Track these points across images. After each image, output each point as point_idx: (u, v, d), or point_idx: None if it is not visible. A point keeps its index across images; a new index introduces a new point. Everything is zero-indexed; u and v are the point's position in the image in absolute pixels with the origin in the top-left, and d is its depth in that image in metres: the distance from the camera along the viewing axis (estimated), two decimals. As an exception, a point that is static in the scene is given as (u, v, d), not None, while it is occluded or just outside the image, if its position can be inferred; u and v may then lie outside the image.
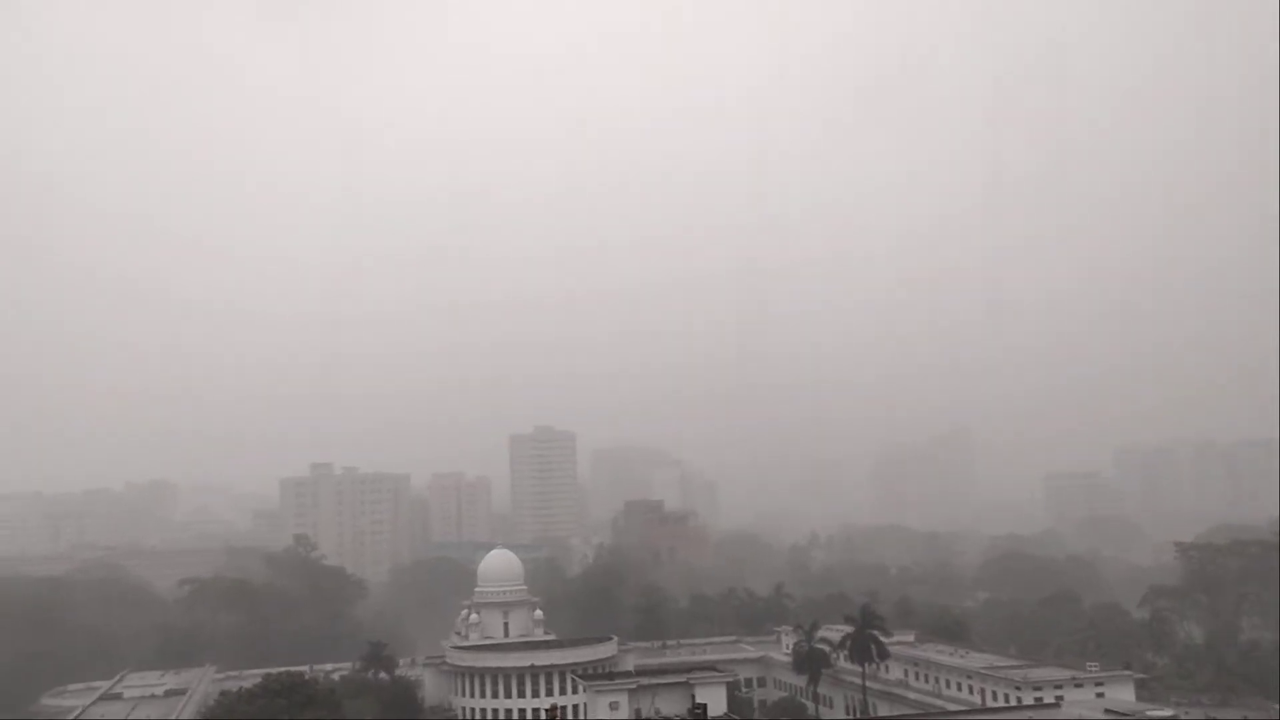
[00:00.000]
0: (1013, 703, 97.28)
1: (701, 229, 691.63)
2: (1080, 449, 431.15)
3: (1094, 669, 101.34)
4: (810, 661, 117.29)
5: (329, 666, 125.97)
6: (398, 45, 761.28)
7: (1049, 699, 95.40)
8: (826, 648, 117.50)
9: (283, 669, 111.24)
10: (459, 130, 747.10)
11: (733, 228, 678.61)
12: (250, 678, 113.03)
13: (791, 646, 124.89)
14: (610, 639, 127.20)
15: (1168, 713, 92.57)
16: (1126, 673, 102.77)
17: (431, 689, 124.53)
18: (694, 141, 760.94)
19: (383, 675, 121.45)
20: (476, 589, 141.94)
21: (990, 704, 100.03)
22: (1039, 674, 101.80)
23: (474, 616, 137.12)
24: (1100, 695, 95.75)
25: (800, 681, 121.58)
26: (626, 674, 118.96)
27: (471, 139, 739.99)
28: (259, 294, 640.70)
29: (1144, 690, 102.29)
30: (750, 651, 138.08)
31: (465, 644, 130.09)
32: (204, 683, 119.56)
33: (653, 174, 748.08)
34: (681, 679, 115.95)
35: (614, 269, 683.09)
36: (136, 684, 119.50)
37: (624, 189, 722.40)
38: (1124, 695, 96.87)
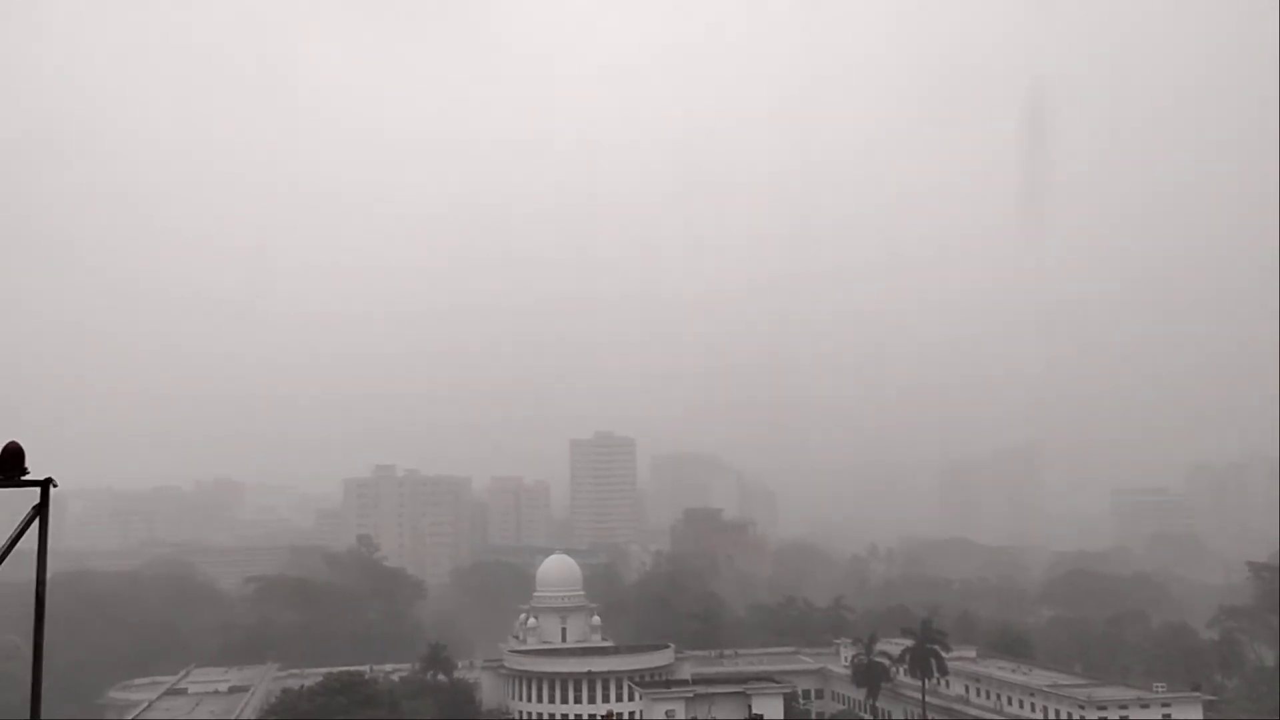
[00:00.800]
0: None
1: (759, 233, 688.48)
2: (1151, 464, 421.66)
3: (1161, 689, 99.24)
4: (869, 675, 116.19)
5: (389, 667, 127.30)
6: (418, 46, 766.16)
7: (1114, 718, 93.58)
8: (886, 661, 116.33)
9: (343, 668, 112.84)
10: (490, 132, 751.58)
11: (788, 232, 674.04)
12: (312, 676, 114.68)
13: (850, 659, 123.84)
14: (667, 647, 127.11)
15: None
16: (1194, 694, 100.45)
17: (489, 692, 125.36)
18: (737, 147, 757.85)
19: (441, 677, 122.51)
20: (535, 593, 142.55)
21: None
22: (1104, 693, 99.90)
23: (532, 621, 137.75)
24: (1167, 716, 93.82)
25: (859, 695, 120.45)
26: (683, 682, 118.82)
27: (503, 141, 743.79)
28: (322, 296, 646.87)
29: (1212, 712, 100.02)
30: (808, 663, 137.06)
31: (523, 648, 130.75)
32: (266, 680, 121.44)
33: (703, 178, 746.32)
34: (738, 689, 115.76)
35: (672, 272, 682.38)
36: (201, 680, 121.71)
37: (675, 194, 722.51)
38: (1192, 716, 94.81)
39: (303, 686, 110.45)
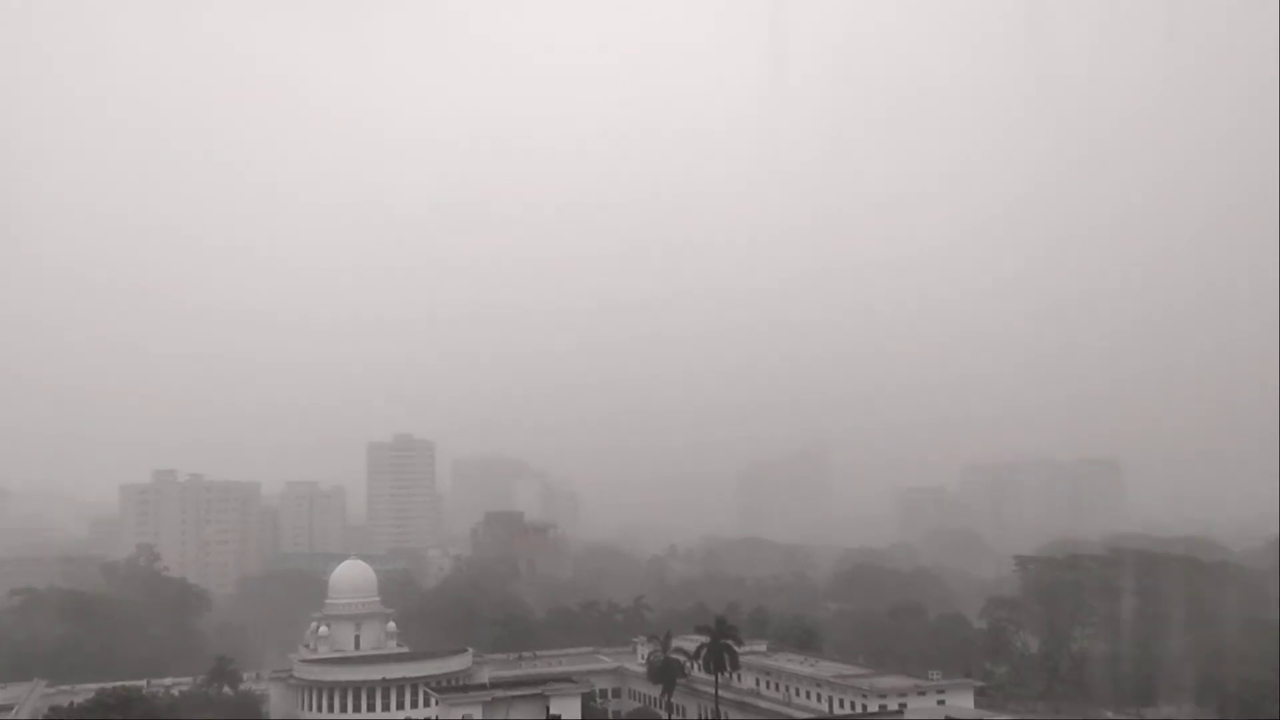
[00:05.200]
0: (859, 710, 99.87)
1: (560, 256, 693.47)
2: (930, 463, 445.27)
3: (936, 677, 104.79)
4: (665, 672, 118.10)
5: (168, 681, 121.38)
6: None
7: (893, 706, 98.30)
8: (681, 658, 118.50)
9: (119, 684, 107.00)
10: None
11: (597, 255, 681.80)
12: (84, 693, 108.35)
13: (647, 657, 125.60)
14: (465, 651, 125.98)
15: (1005, 719, 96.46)
16: (966, 681, 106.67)
17: (277, 704, 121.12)
18: (571, 165, 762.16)
19: (226, 690, 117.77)
20: (327, 601, 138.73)
21: (838, 711, 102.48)
22: (885, 683, 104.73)
23: (324, 629, 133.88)
24: (941, 703, 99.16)
25: (655, 692, 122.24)
26: (481, 686, 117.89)
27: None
28: (95, 291, 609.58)
29: (983, 698, 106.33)
30: (607, 662, 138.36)
31: (314, 657, 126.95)
32: (33, 698, 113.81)
33: (528, 192, 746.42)
34: (536, 690, 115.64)
35: (469, 281, 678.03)
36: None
37: (497, 206, 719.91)
38: (964, 703, 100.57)
39: (73, 704, 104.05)
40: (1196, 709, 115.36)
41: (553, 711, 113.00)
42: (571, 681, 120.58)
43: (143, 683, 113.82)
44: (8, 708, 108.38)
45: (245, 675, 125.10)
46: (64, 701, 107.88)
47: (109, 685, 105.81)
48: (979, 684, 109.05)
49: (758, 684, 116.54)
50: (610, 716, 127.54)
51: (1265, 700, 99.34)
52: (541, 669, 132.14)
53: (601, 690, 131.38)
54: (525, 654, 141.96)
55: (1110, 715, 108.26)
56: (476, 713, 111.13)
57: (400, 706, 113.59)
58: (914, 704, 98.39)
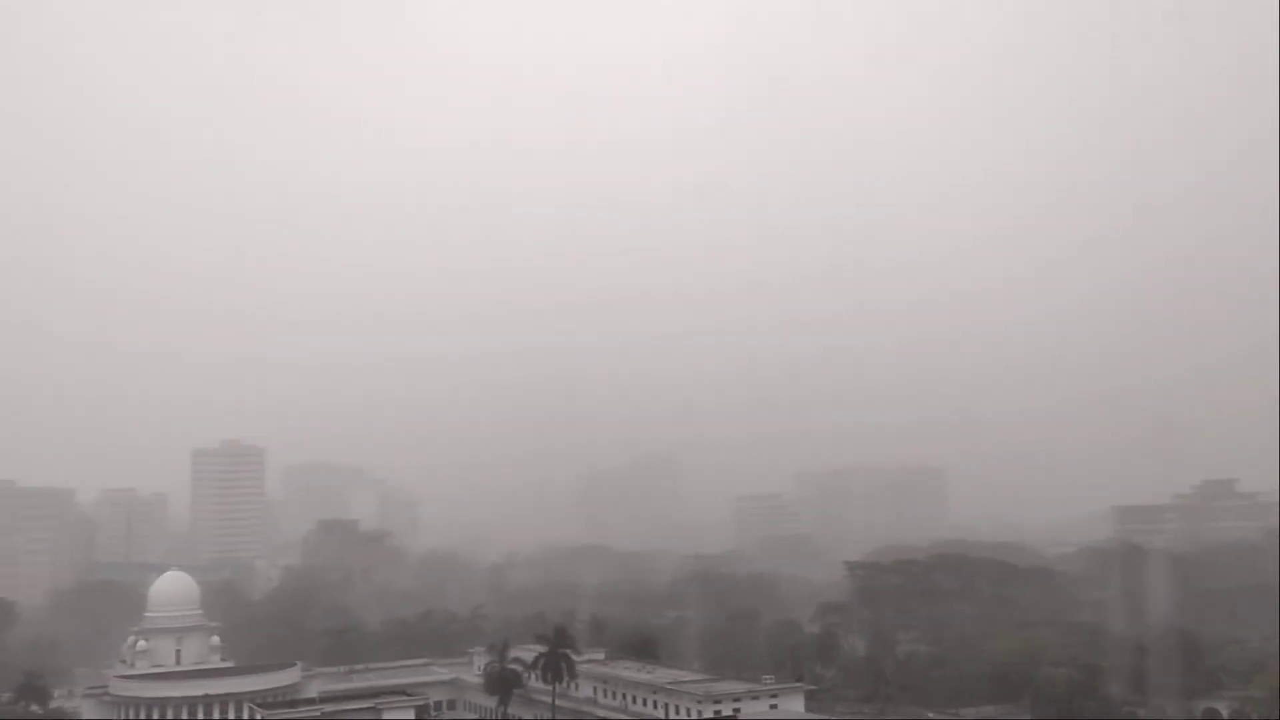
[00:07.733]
0: (694, 715, 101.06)
1: (399, 267, 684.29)
2: (765, 470, 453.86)
3: (769, 681, 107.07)
4: (501, 682, 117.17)
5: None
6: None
7: (727, 711, 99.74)
8: (519, 668, 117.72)
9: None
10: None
11: (426, 267, 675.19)
12: None
13: (484, 668, 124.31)
14: (293, 665, 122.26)
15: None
16: (798, 685, 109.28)
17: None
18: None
19: (35, 708, 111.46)
20: (146, 614, 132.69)
21: (674, 718, 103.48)
22: (719, 688, 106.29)
23: (142, 644, 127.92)
24: (774, 706, 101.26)
25: (491, 703, 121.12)
26: (309, 701, 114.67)
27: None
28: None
29: (813, 701, 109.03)
30: (442, 674, 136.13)
31: (131, 673, 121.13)
32: None
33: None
34: (368, 704, 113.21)
35: (318, 291, 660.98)
36: None
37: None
38: (795, 706, 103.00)
39: None
40: (1011, 708, 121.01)
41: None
42: (405, 694, 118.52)
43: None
44: None
45: (56, 692, 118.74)
46: None
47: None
48: (809, 687, 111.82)
49: (595, 692, 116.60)
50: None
51: (1076, 698, 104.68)
52: (374, 681, 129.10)
53: (436, 702, 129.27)
54: (357, 667, 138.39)
55: (932, 715, 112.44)
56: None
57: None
58: (747, 708, 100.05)
